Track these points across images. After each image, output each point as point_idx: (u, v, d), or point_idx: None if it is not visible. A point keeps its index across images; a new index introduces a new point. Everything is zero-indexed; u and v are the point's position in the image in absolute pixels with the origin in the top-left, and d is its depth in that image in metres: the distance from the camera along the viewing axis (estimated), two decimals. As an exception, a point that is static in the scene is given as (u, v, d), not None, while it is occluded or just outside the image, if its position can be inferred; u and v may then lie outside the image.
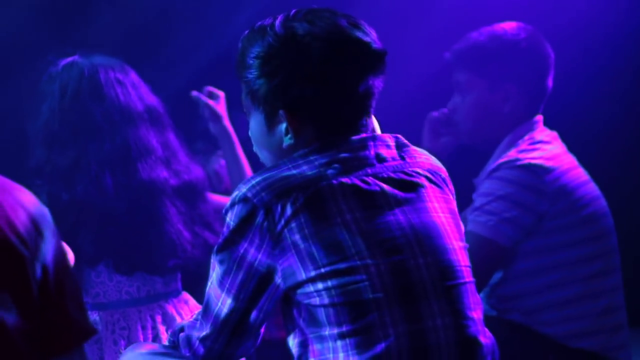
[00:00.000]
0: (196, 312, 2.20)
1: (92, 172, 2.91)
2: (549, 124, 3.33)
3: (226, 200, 3.15)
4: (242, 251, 2.02)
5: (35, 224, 1.82)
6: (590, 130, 4.38)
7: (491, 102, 3.30)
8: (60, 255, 1.86)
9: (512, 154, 3.20)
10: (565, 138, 3.33)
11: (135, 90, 3.01)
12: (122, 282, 3.01)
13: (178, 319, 3.04)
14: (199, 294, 3.16)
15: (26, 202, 1.83)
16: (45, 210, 1.86)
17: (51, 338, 1.82)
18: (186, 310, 3.07)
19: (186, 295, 3.13)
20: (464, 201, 3.08)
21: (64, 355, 1.85)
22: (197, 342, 2.12)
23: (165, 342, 2.83)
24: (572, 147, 3.31)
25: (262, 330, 2.13)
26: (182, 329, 2.19)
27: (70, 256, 2.24)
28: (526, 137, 3.25)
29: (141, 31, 4.33)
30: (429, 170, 2.12)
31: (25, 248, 1.78)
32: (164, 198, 2.95)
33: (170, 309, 3.06)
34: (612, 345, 3.17)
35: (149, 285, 3.04)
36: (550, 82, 3.34)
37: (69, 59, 3.03)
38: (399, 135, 2.15)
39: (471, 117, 3.33)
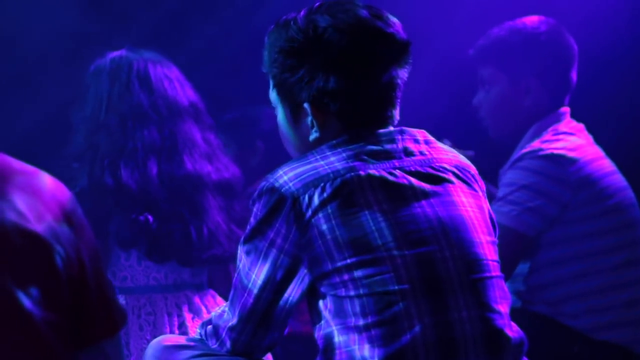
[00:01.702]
0: (224, 304, 2.21)
1: (139, 159, 2.96)
2: (576, 115, 3.35)
3: None
4: (269, 241, 2.03)
5: (66, 215, 1.82)
6: (618, 122, 4.37)
7: (513, 96, 3.32)
8: (93, 245, 1.86)
9: (535, 144, 3.21)
10: (592, 130, 3.33)
11: (181, 87, 3.07)
12: (151, 267, 3.05)
13: (204, 310, 3.06)
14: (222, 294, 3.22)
15: (58, 193, 1.83)
16: (76, 202, 1.86)
17: (93, 327, 1.83)
18: (212, 304, 3.10)
19: (212, 292, 3.17)
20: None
21: (102, 341, 1.86)
22: (224, 332, 2.13)
23: (192, 332, 2.90)
24: (599, 139, 3.32)
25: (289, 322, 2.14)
26: (210, 321, 2.21)
27: None
28: (550, 129, 3.26)
29: (163, 26, 4.37)
30: (456, 166, 2.12)
31: (55, 240, 1.78)
32: (205, 190, 3.01)
33: (197, 299, 3.08)
34: (638, 337, 3.18)
35: (177, 274, 3.07)
36: (574, 75, 3.34)
37: (117, 52, 3.08)
38: (426, 132, 2.16)
39: (495, 111, 3.35)
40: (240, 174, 3.18)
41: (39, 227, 1.77)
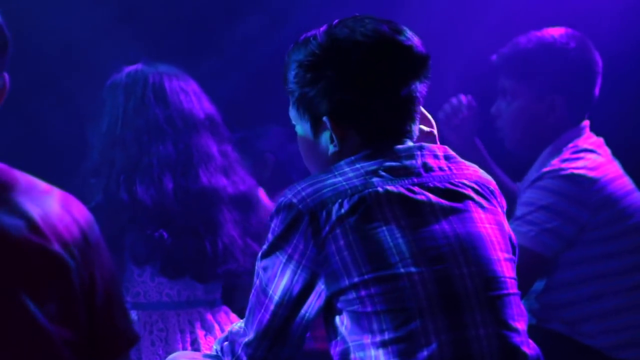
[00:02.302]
0: (238, 321, 2.23)
1: (154, 174, 2.98)
2: (594, 127, 3.33)
3: None
4: (286, 257, 2.03)
5: (83, 234, 1.83)
6: (635, 131, 4.37)
7: (536, 112, 3.30)
8: (108, 264, 1.87)
9: (555, 162, 3.21)
10: (609, 141, 3.33)
11: (198, 100, 3.09)
12: (164, 284, 3.05)
13: (216, 327, 3.07)
14: (234, 309, 3.22)
15: (75, 212, 1.85)
16: (92, 219, 1.88)
17: (97, 347, 1.84)
18: (225, 320, 3.11)
19: (226, 308, 3.17)
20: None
21: None
22: (240, 348, 2.13)
23: (206, 350, 2.90)
24: (616, 152, 3.31)
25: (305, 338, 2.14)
26: (226, 338, 2.21)
27: None
28: (570, 145, 3.25)
29: (184, 35, 4.39)
30: (476, 182, 2.12)
31: (71, 258, 1.79)
32: (221, 205, 3.01)
33: (209, 316, 3.09)
34: None
35: (190, 291, 3.08)
36: (597, 91, 3.34)
37: (133, 67, 3.11)
38: (447, 148, 2.16)
39: (515, 124, 3.34)
40: (257, 186, 3.18)
41: (56, 245, 1.78)
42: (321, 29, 2.13)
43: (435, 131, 2.27)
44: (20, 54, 2.08)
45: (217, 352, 2.23)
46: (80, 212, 1.87)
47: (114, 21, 4.27)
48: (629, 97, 4.38)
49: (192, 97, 3.09)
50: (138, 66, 3.12)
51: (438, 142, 2.25)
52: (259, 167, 4.09)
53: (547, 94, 3.29)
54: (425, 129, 2.23)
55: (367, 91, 2.08)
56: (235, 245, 3.03)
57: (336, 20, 2.14)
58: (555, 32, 3.32)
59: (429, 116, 2.28)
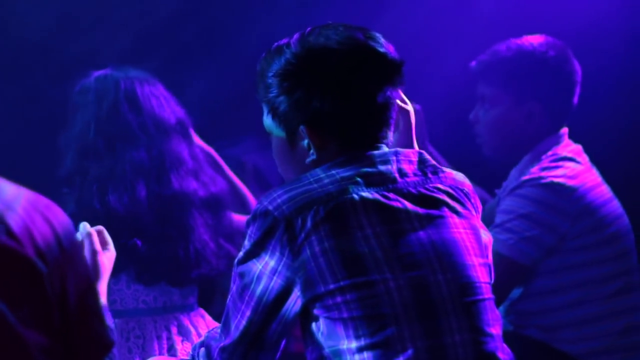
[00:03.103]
0: (216, 325, 2.25)
1: (127, 182, 2.99)
2: (572, 134, 3.37)
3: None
4: (262, 263, 2.06)
5: (58, 239, 1.84)
6: (612, 136, 4.41)
7: (514, 119, 3.34)
8: (84, 270, 1.89)
9: (535, 171, 3.24)
10: (586, 146, 3.36)
11: (168, 103, 3.10)
12: (140, 290, 3.07)
13: (193, 332, 3.09)
14: (213, 311, 3.24)
15: (52, 218, 1.86)
16: (71, 227, 1.89)
17: (73, 354, 1.85)
18: (202, 324, 3.13)
19: (202, 311, 3.19)
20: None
21: None
22: (216, 353, 2.16)
23: (181, 355, 2.91)
24: (594, 156, 3.35)
25: (282, 344, 2.17)
26: (202, 343, 2.23)
27: (111, 255, 2.30)
28: (550, 153, 3.28)
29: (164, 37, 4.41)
30: (450, 186, 2.15)
31: (44, 264, 1.80)
32: (192, 209, 3.03)
33: (186, 321, 3.11)
34: None
35: (166, 297, 3.09)
36: (576, 99, 3.37)
37: (103, 71, 3.11)
38: (423, 152, 2.19)
39: (493, 131, 3.37)
40: (227, 186, 3.21)
41: (30, 250, 1.79)
42: (294, 37, 2.15)
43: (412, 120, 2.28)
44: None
45: (193, 357, 2.26)
46: (56, 216, 1.88)
47: (90, 19, 4.28)
48: (607, 103, 4.42)
49: (162, 101, 3.11)
50: (107, 71, 3.13)
51: (415, 136, 2.29)
52: (236, 171, 4.14)
53: (525, 102, 3.32)
54: (404, 106, 2.26)
55: (344, 99, 2.11)
56: (207, 249, 3.05)
57: (309, 28, 2.16)
58: (534, 40, 3.36)
59: (409, 108, 2.29)
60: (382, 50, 2.13)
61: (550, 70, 3.31)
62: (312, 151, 2.13)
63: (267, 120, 2.19)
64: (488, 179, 3.61)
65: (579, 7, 4.29)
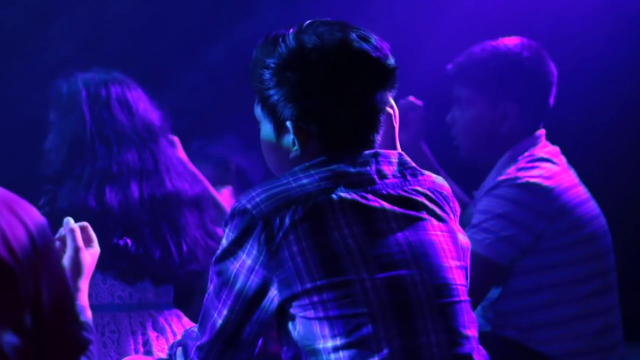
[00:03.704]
0: (191, 325, 2.26)
1: (123, 182, 3.03)
2: (550, 136, 3.40)
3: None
4: (239, 262, 2.08)
5: (32, 240, 1.84)
6: (589, 138, 4.46)
7: (489, 120, 3.37)
8: (58, 270, 1.89)
9: (511, 171, 3.27)
10: (564, 148, 3.40)
11: (151, 107, 3.15)
12: (116, 286, 3.09)
13: (168, 329, 3.12)
14: (193, 311, 3.26)
15: (26, 218, 1.85)
16: (46, 227, 1.88)
17: (46, 354, 1.85)
18: (177, 324, 3.16)
19: (179, 312, 3.21)
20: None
21: None
22: (193, 351, 2.18)
23: (158, 352, 2.93)
24: (571, 158, 3.38)
25: (259, 343, 2.19)
26: (179, 342, 2.25)
27: (94, 252, 2.31)
28: (526, 154, 3.32)
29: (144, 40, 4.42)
30: (429, 189, 2.17)
31: (17, 264, 1.80)
32: (183, 208, 3.09)
33: (161, 319, 3.13)
34: None
35: (141, 294, 3.12)
36: (551, 100, 3.40)
37: (89, 74, 3.14)
38: (403, 153, 2.21)
39: (468, 132, 3.41)
40: (205, 184, 3.30)
41: (2, 250, 1.79)
42: (290, 30, 2.16)
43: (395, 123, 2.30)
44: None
45: (170, 356, 2.28)
46: (30, 216, 1.87)
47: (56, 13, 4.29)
48: (584, 105, 4.46)
49: (147, 104, 3.15)
50: (94, 74, 3.16)
51: (397, 136, 2.30)
52: (220, 170, 4.16)
53: (500, 103, 3.35)
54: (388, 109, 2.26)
55: (332, 100, 2.12)
56: (197, 246, 3.12)
57: (306, 22, 2.17)
58: (509, 41, 3.39)
59: (391, 110, 2.30)
60: (376, 54, 2.14)
61: (524, 71, 3.35)
62: (296, 147, 2.15)
63: (257, 110, 2.22)
64: (467, 182, 3.64)
65: (558, 8, 4.34)
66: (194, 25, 4.54)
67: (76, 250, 2.21)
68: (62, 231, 2.24)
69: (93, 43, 4.31)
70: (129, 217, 3.02)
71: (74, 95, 3.12)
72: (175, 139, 3.29)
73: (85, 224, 2.28)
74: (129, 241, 3.02)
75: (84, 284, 2.21)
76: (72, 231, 2.22)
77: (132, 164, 3.07)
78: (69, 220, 2.23)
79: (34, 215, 1.88)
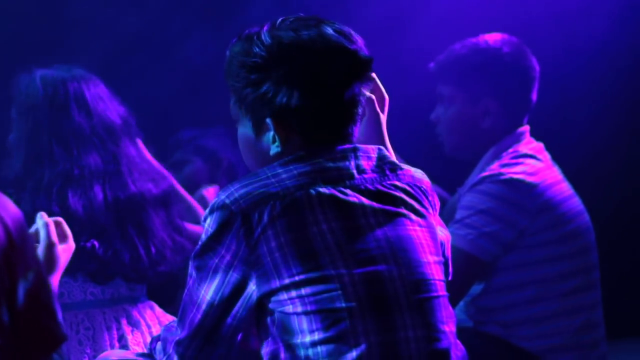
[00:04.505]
0: (166, 317, 2.27)
1: (86, 185, 3.01)
2: (534, 132, 3.43)
3: (198, 229, 3.29)
4: (218, 257, 2.11)
5: (7, 232, 1.84)
6: (574, 135, 4.48)
7: (471, 116, 3.40)
8: (34, 265, 1.90)
9: (494, 167, 3.29)
10: (549, 146, 3.43)
11: (112, 104, 3.13)
12: (88, 282, 3.09)
13: (142, 323, 3.13)
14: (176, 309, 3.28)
15: (2, 210, 1.85)
16: (22, 220, 1.89)
17: (21, 348, 1.86)
18: (150, 315, 3.16)
19: (151, 303, 3.23)
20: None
21: None
22: (172, 347, 2.21)
23: (134, 346, 2.93)
24: (555, 155, 3.42)
25: (239, 339, 2.20)
26: (159, 337, 2.28)
27: (69, 248, 2.30)
28: (510, 150, 3.34)
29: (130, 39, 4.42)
30: (408, 184, 2.20)
31: None
32: (148, 208, 3.07)
33: (135, 312, 3.14)
34: None
35: (114, 289, 3.12)
36: (534, 96, 3.43)
37: (47, 71, 3.11)
38: (382, 147, 2.24)
39: (451, 129, 3.44)
40: (171, 177, 3.28)
41: None
42: (265, 27, 2.18)
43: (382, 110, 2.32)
44: None
45: (150, 350, 2.31)
46: (6, 209, 1.88)
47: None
48: (570, 101, 4.48)
49: (108, 103, 3.13)
50: (53, 71, 3.13)
51: (385, 124, 2.32)
52: (210, 165, 4.15)
53: (481, 99, 3.38)
54: (368, 94, 2.28)
55: (311, 94, 2.15)
56: (165, 246, 3.10)
57: (280, 19, 2.20)
58: (490, 37, 3.43)
59: (374, 96, 2.33)
60: (352, 47, 2.17)
61: (504, 67, 3.38)
62: (276, 144, 2.18)
63: (234, 109, 2.24)
64: (453, 179, 3.65)
65: (547, 6, 4.37)
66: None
67: (49, 245, 2.20)
68: (35, 227, 2.23)
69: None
70: (94, 221, 3.00)
71: (31, 95, 3.08)
72: (139, 140, 3.24)
73: (60, 219, 2.28)
74: (96, 243, 3.00)
75: (55, 280, 2.22)
76: (45, 225, 2.21)
77: (93, 166, 3.04)
78: (42, 215, 2.22)
79: (10, 208, 1.89)
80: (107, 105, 3.13)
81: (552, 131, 3.53)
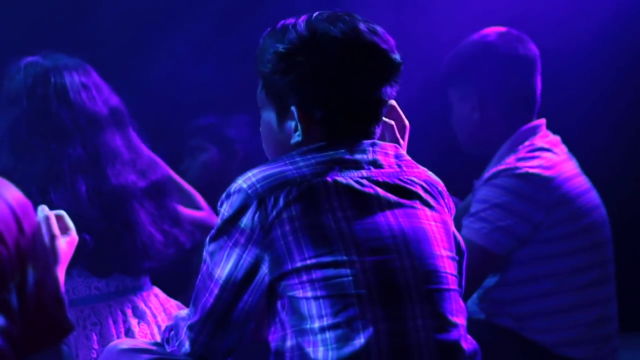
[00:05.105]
0: (171, 302, 2.28)
1: (67, 180, 2.99)
2: (551, 126, 3.44)
3: (197, 215, 3.26)
4: (233, 241, 2.15)
5: (17, 221, 1.89)
6: (592, 131, 4.48)
7: (474, 110, 3.43)
8: (43, 253, 1.93)
9: (510, 161, 3.30)
10: (566, 139, 3.43)
11: (99, 93, 3.10)
12: (91, 277, 3.09)
13: (148, 313, 3.14)
14: (172, 291, 3.28)
15: (9, 197, 1.90)
16: (31, 209, 1.94)
17: (30, 337, 1.90)
18: (155, 304, 3.18)
19: (156, 290, 3.24)
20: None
21: (40, 352, 1.93)
22: (183, 332, 2.24)
23: (138, 335, 2.93)
24: (573, 149, 3.42)
25: (252, 328, 2.24)
26: (172, 326, 2.31)
27: (72, 240, 2.29)
28: (527, 143, 3.36)
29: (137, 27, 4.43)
30: (425, 181, 2.24)
31: (3, 245, 1.85)
32: (133, 202, 3.06)
33: (140, 302, 3.16)
34: (601, 354, 3.30)
35: (118, 281, 3.12)
36: (536, 82, 3.43)
37: (31, 59, 3.09)
38: (399, 147, 2.28)
39: (459, 128, 3.50)
40: (166, 168, 3.26)
41: None
42: (301, 18, 2.24)
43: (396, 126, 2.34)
44: None
45: (163, 339, 2.34)
46: (15, 198, 1.92)
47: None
48: (587, 95, 4.49)
49: (93, 92, 3.09)
50: (37, 59, 3.10)
51: (399, 136, 2.34)
52: (225, 155, 4.15)
53: (473, 94, 3.41)
54: (388, 121, 2.33)
55: (338, 89, 2.20)
56: (154, 240, 3.08)
57: (316, 13, 2.24)
58: (486, 31, 3.49)
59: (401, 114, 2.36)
60: (384, 47, 2.22)
61: (494, 57, 3.41)
62: (298, 133, 2.22)
63: (260, 95, 2.28)
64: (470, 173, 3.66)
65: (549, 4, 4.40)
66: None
67: (52, 237, 2.22)
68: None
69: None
70: (79, 215, 2.96)
71: (13, 86, 3.07)
72: (130, 130, 3.19)
73: (62, 212, 2.29)
74: (86, 237, 2.99)
75: (60, 272, 2.24)
76: (46, 219, 2.22)
77: (74, 159, 3.00)
78: (43, 208, 2.23)
79: (19, 198, 1.94)
80: (93, 95, 3.09)
81: (553, 129, 3.51)
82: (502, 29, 3.47)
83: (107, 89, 3.16)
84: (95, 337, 3.07)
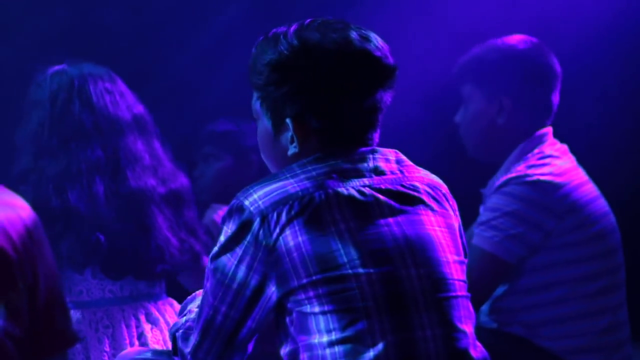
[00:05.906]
0: (190, 317, 2.34)
1: (84, 180, 3.08)
2: (558, 134, 3.47)
3: None
4: (237, 259, 2.16)
5: (27, 229, 1.93)
6: (599, 138, 4.49)
7: (487, 114, 3.45)
8: (51, 262, 1.98)
9: (521, 168, 3.33)
10: (572, 147, 3.47)
11: (123, 99, 3.19)
12: (105, 280, 3.15)
13: (161, 320, 3.20)
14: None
15: (19, 208, 1.96)
16: (38, 220, 1.98)
17: (36, 344, 1.95)
18: (170, 313, 3.24)
19: (171, 300, 3.29)
20: (470, 211, 3.23)
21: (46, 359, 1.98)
22: (190, 354, 2.24)
23: (153, 344, 2.96)
24: (580, 157, 3.46)
25: (255, 342, 2.26)
26: (175, 334, 2.33)
27: None
28: (536, 151, 3.39)
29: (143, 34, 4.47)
30: (428, 185, 2.27)
31: (16, 253, 1.89)
32: (152, 205, 3.13)
33: (153, 309, 3.21)
34: None
35: (133, 286, 3.18)
36: (555, 97, 3.47)
37: (57, 68, 3.21)
38: (398, 152, 2.30)
39: (469, 129, 3.51)
40: (188, 181, 3.32)
41: (3, 241, 1.88)
42: (292, 27, 2.25)
43: None
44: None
45: (170, 334, 2.34)
46: (24, 208, 1.99)
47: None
48: (594, 103, 4.49)
49: (117, 97, 3.19)
50: (63, 67, 3.21)
51: None
52: (240, 165, 4.14)
53: (496, 96, 3.43)
54: None
55: (333, 98, 2.22)
56: (170, 245, 3.15)
57: (308, 20, 2.26)
58: (510, 38, 3.51)
59: None
60: (377, 54, 2.24)
61: (519, 63, 3.44)
62: (294, 144, 2.24)
63: (255, 106, 2.31)
64: (475, 181, 3.68)
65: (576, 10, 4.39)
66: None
67: None
68: None
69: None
70: (95, 215, 3.06)
71: (38, 91, 3.18)
72: (155, 139, 3.28)
73: None
74: (101, 237, 3.05)
75: None
76: None
77: (93, 161, 3.10)
78: None
79: (26, 207, 2.00)
80: (117, 99, 3.20)
81: (560, 134, 3.54)
82: (534, 39, 3.50)
83: (132, 97, 3.25)
84: (107, 341, 3.11)
